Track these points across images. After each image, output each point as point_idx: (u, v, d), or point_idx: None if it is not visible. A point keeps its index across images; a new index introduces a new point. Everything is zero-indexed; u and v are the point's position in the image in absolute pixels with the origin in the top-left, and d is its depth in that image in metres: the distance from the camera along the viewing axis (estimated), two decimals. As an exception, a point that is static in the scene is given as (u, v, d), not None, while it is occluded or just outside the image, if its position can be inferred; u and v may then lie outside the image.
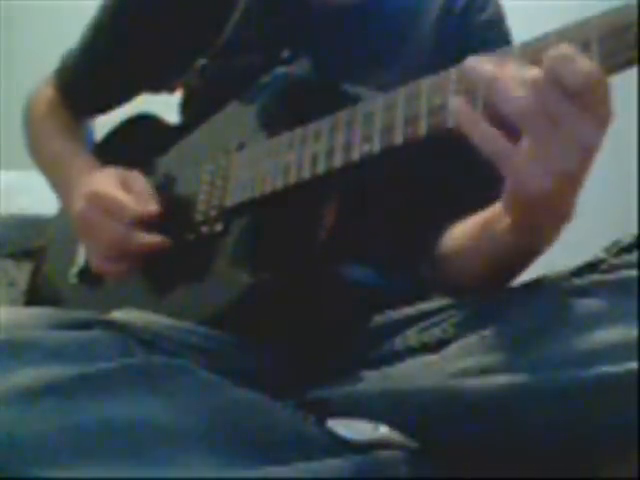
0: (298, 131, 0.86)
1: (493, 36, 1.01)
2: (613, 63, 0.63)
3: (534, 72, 0.64)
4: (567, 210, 0.70)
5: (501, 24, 1.04)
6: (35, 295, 1.17)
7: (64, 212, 1.11)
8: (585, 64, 0.62)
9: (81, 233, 0.99)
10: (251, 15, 1.02)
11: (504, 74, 0.65)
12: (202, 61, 1.03)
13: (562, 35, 0.66)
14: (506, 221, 0.75)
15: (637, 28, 0.61)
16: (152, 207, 0.93)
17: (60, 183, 1.10)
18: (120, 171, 0.99)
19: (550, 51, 0.63)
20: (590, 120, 0.63)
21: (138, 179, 0.97)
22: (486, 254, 0.83)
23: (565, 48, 0.63)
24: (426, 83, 0.74)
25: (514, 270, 0.83)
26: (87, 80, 1.14)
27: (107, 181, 0.96)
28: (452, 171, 0.93)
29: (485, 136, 0.66)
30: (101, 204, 0.94)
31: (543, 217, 0.70)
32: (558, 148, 0.63)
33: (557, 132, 0.63)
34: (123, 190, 0.94)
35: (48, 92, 1.18)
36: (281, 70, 0.94)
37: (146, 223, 0.92)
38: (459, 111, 0.68)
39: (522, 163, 0.64)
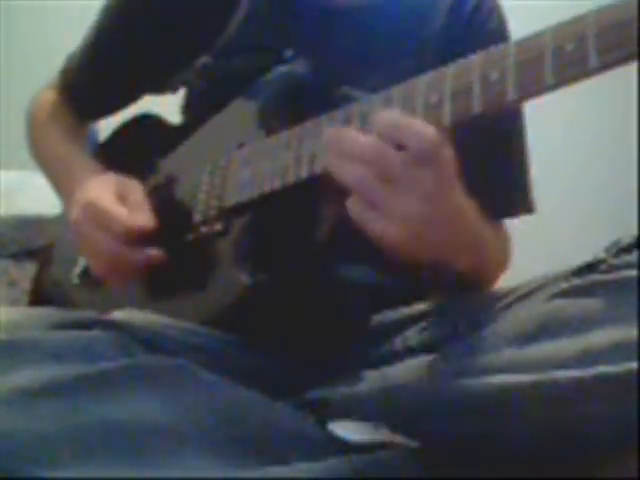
0: (296, 130, 0.86)
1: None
2: (609, 59, 0.63)
3: (361, 138, 0.69)
4: (445, 241, 0.73)
5: (506, 32, 1.05)
6: (39, 295, 1.17)
7: (66, 212, 1.11)
8: (424, 128, 0.67)
9: (78, 244, 0.98)
10: (254, 15, 1.02)
11: (338, 147, 0.71)
12: (204, 60, 1.03)
13: (559, 30, 0.66)
14: None
15: (634, 24, 0.61)
16: (144, 222, 0.91)
17: (62, 186, 1.10)
18: (117, 179, 0.97)
19: (380, 117, 0.69)
20: (431, 173, 0.68)
21: (135, 189, 0.95)
22: None
23: (396, 113, 0.69)
24: (422, 81, 0.75)
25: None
26: (90, 82, 1.14)
27: (102, 190, 0.95)
28: None
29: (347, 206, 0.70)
30: (94, 216, 0.92)
31: (419, 254, 0.73)
32: (399, 202, 0.68)
33: (396, 189, 0.68)
34: (118, 201, 0.93)
35: (51, 94, 1.18)
36: (282, 70, 0.94)
37: (139, 237, 0.91)
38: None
39: (372, 221, 0.69)
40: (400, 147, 0.69)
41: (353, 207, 0.70)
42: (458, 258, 0.78)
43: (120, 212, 0.91)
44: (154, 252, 0.90)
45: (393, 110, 0.70)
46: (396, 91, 0.76)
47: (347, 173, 0.70)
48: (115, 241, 0.90)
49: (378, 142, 0.69)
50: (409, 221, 0.69)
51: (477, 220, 0.80)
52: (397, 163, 0.68)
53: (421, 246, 0.72)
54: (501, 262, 1.00)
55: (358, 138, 0.70)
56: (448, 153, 0.70)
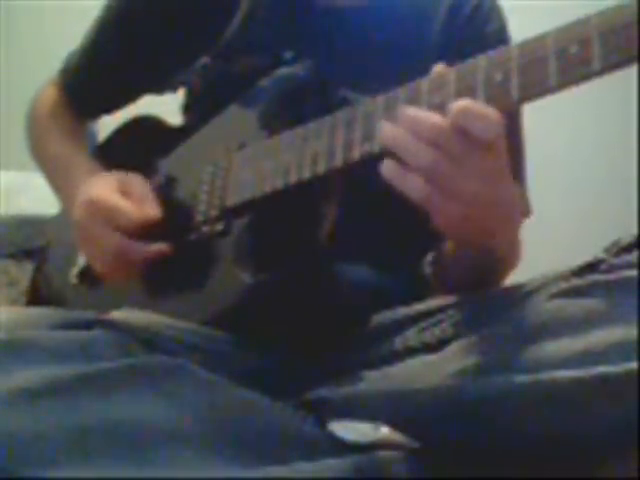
0: (298, 130, 0.86)
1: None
2: (613, 61, 0.63)
3: (436, 121, 0.69)
4: (493, 226, 0.75)
5: (505, 33, 1.05)
6: (36, 295, 1.17)
7: (64, 212, 1.11)
8: (493, 116, 0.68)
9: (81, 242, 0.98)
10: (255, 16, 1.02)
11: (405, 133, 0.71)
12: (204, 60, 1.03)
13: (562, 33, 0.66)
14: None
15: (637, 25, 0.61)
16: (151, 212, 0.91)
17: (61, 186, 1.10)
18: (120, 175, 0.97)
19: (454, 104, 0.69)
20: (492, 156, 0.69)
21: (138, 183, 0.96)
22: (449, 260, 0.91)
23: (469, 102, 0.68)
24: (425, 83, 0.75)
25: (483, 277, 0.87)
26: (91, 80, 1.14)
27: (106, 187, 0.95)
28: None
29: (406, 183, 0.71)
30: (99, 212, 0.93)
31: (467, 236, 0.76)
32: (463, 183, 0.69)
33: (461, 170, 0.69)
34: (122, 196, 0.93)
35: (51, 93, 1.18)
36: (283, 71, 0.94)
37: (145, 229, 0.92)
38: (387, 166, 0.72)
39: (435, 200, 0.70)
40: (462, 130, 0.69)
41: (417, 185, 0.70)
42: (501, 236, 0.79)
43: (126, 206, 0.92)
44: (162, 246, 0.91)
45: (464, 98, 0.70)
46: (400, 92, 0.76)
47: (419, 154, 0.70)
48: (119, 234, 0.91)
49: (448, 125, 0.69)
50: (470, 201, 0.70)
51: (519, 209, 0.82)
52: (463, 146, 0.69)
53: (475, 226, 0.73)
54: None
55: (432, 120, 0.70)
56: (504, 140, 0.71)
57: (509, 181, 0.74)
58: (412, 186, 0.70)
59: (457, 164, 0.69)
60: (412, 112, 0.72)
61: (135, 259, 0.91)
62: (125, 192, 0.94)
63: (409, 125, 0.71)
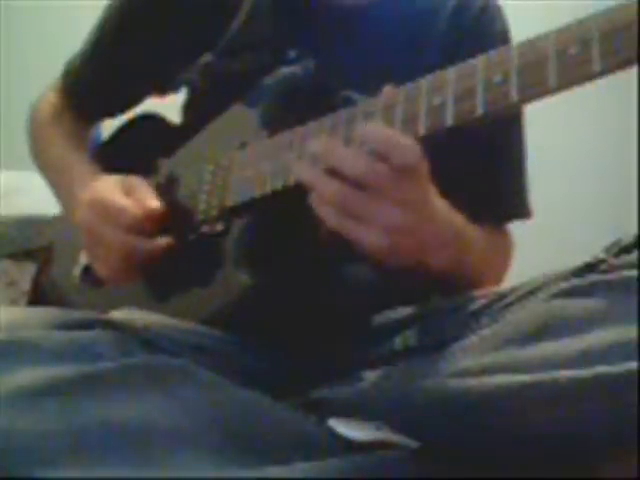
0: (299, 130, 0.86)
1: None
2: (613, 62, 0.63)
3: (351, 155, 0.72)
4: (424, 250, 0.77)
5: (509, 34, 1.05)
6: (39, 296, 1.17)
7: (67, 215, 1.11)
8: (409, 144, 0.70)
9: (87, 244, 0.98)
10: (257, 14, 1.02)
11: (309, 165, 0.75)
12: (207, 59, 1.03)
13: (562, 34, 0.66)
14: None
15: (638, 26, 0.61)
16: (154, 205, 0.91)
17: (62, 190, 1.10)
18: (120, 177, 0.98)
19: (367, 129, 0.71)
20: (416, 184, 0.71)
21: (139, 183, 0.96)
22: None
23: (378, 126, 0.71)
24: (425, 83, 0.75)
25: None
26: (93, 84, 1.14)
27: (107, 187, 0.95)
28: (449, 170, 0.93)
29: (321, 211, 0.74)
30: (102, 211, 0.93)
31: (399, 257, 0.77)
32: (380, 212, 0.71)
33: (376, 200, 0.70)
34: (124, 194, 0.94)
35: (53, 97, 1.18)
36: (286, 71, 0.94)
37: (149, 224, 0.92)
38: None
39: (350, 228, 0.72)
40: (382, 159, 0.71)
41: (330, 217, 0.73)
42: (435, 255, 0.80)
43: (127, 203, 0.92)
44: (165, 240, 0.91)
45: (375, 122, 0.72)
46: (400, 92, 0.76)
47: (324, 186, 0.73)
48: (125, 232, 0.91)
49: (363, 155, 0.71)
50: (392, 229, 0.72)
51: (450, 216, 0.83)
52: (383, 176, 0.70)
53: (402, 249, 0.75)
54: (495, 264, 1.00)
55: (344, 152, 0.72)
56: (424, 161, 0.73)
57: (432, 197, 0.76)
58: (324, 215, 0.73)
59: (369, 193, 0.70)
60: (322, 143, 0.75)
61: (142, 255, 0.91)
62: (127, 191, 0.94)
63: (322, 156, 0.74)
